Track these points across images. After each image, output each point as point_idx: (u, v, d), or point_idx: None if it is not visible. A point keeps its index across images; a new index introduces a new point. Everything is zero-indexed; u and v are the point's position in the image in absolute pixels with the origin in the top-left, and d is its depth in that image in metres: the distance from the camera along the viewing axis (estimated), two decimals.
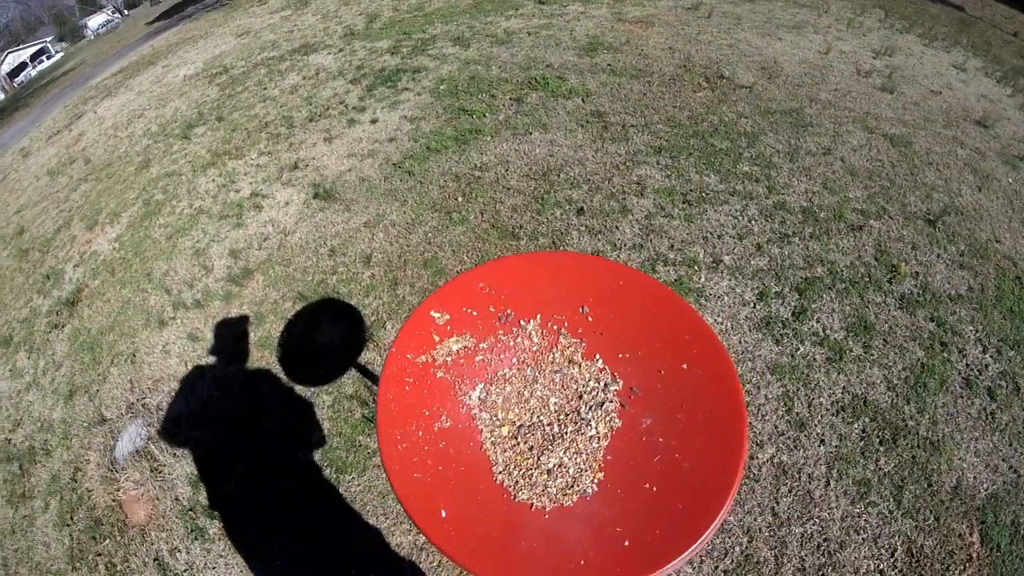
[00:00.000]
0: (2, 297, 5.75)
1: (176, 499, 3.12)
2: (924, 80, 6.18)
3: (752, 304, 3.42)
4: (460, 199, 4.55)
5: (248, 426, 3.33)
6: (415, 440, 1.18)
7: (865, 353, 3.14)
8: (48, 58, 43.44)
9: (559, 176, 4.60)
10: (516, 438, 1.18)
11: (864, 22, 8.08)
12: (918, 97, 5.72)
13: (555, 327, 1.39)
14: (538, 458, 1.13)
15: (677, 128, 5.01)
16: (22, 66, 42.59)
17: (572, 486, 1.09)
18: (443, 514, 1.05)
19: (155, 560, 2.92)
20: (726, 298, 3.45)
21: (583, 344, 1.35)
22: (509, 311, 1.43)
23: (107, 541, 3.10)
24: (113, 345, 4.28)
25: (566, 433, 1.17)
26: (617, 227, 4.02)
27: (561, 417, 1.20)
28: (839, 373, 3.05)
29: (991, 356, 3.14)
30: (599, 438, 1.16)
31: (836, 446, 2.78)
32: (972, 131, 5.18)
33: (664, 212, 4.10)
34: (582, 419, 1.19)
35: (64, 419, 3.93)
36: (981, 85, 6.40)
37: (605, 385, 1.25)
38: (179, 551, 2.91)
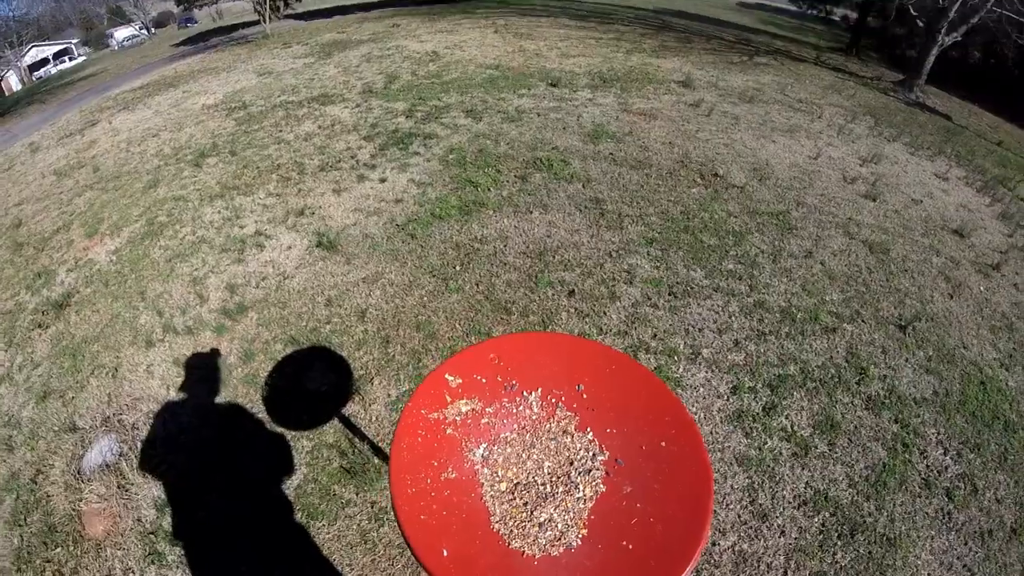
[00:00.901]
0: None
1: (139, 520, 3.09)
2: (907, 188, 6.49)
3: (726, 397, 3.56)
4: (458, 268, 4.71)
5: (224, 459, 3.34)
6: (423, 487, 1.33)
7: (830, 450, 3.27)
8: (70, 59, 43.74)
9: (554, 257, 4.78)
10: (513, 493, 1.34)
11: (854, 129, 8.47)
12: (899, 205, 6.00)
13: (554, 400, 1.56)
14: (531, 512, 1.29)
15: (670, 221, 5.25)
16: (44, 61, 42.82)
17: (560, 539, 1.25)
18: (445, 553, 1.20)
19: None
20: (702, 389, 3.59)
21: (577, 417, 1.52)
22: (514, 382, 1.60)
23: (59, 549, 3.04)
24: (96, 356, 4.30)
25: (557, 493, 1.33)
26: (605, 312, 4.18)
27: (553, 479, 1.37)
28: (803, 468, 3.17)
29: (951, 458, 3.29)
30: (585, 499, 1.32)
31: (796, 538, 2.87)
32: (949, 240, 5.45)
33: (650, 302, 4.28)
34: (571, 482, 1.36)
35: (33, 419, 3.91)
36: (961, 194, 6.70)
37: (593, 455, 1.42)
38: (133, 572, 2.86)
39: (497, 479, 1.37)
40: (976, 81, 17.08)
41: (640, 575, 1.19)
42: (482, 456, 1.43)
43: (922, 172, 7.16)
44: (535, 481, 1.36)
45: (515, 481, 1.36)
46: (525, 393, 1.57)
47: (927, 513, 3.02)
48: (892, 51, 22.16)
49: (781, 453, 3.25)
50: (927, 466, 3.25)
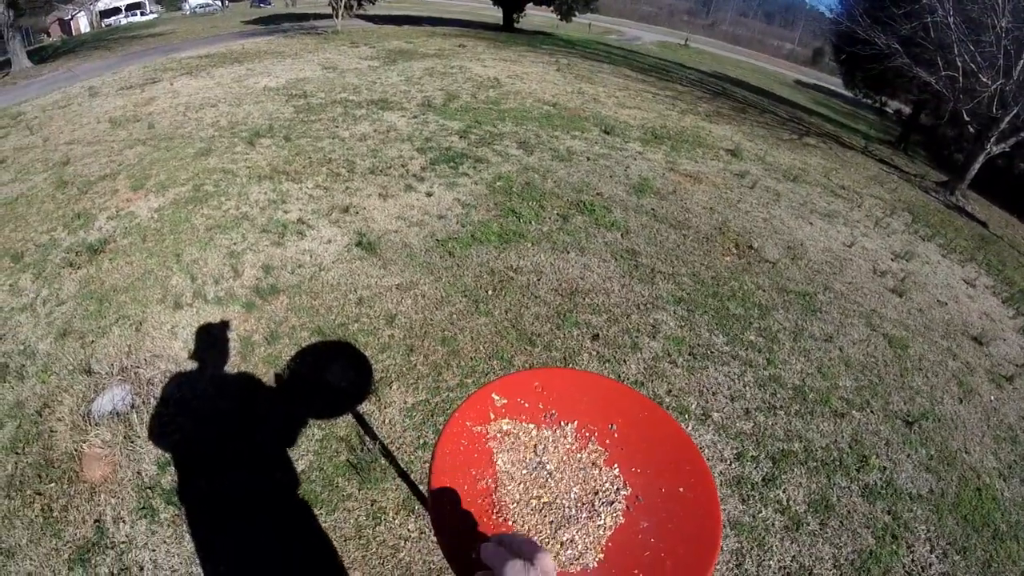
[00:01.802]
0: (27, 215, 5.86)
1: (139, 473, 3.15)
2: (934, 289, 6.52)
3: (729, 461, 3.60)
4: (490, 292, 4.81)
5: (233, 432, 3.41)
6: (460, 492, 1.43)
7: (820, 529, 3.31)
8: (142, 14, 44.43)
9: (584, 299, 4.86)
10: (540, 511, 1.43)
11: (891, 223, 8.52)
12: (924, 305, 6.04)
13: (587, 434, 1.65)
14: (555, 531, 1.37)
15: (700, 285, 5.33)
16: (115, 11, 43.56)
17: (578, 559, 1.33)
18: (473, 556, 1.29)
19: (95, 521, 2.92)
20: (707, 451, 3.65)
21: (607, 453, 1.61)
22: (554, 411, 1.70)
23: (53, 485, 3.09)
24: (123, 306, 4.41)
25: (580, 517, 1.42)
26: (625, 360, 4.25)
27: (578, 504, 1.45)
28: (792, 542, 3.20)
29: (936, 556, 3.31)
30: (605, 527, 1.41)
31: None
32: (967, 345, 5.47)
33: (670, 358, 4.35)
34: (594, 510, 1.44)
35: (50, 353, 4.00)
36: (987, 303, 6.71)
37: (617, 489, 1.51)
38: (123, 521, 2.92)
39: (528, 496, 1.46)
40: (1019, 192, 17.10)
41: None
42: (517, 473, 1.52)
43: (951, 275, 7.20)
44: (562, 504, 1.45)
45: (543, 500, 1.45)
46: (563, 423, 1.66)
47: None
48: (940, 151, 22.25)
49: (773, 524, 3.28)
50: (912, 560, 3.27)
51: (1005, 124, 12.18)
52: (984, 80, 11.94)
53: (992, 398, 4.79)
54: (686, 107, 13.45)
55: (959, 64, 12.35)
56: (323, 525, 2.96)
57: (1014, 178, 18.28)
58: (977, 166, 13.05)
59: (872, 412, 4.27)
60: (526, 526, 1.38)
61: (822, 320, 5.22)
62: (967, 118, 12.99)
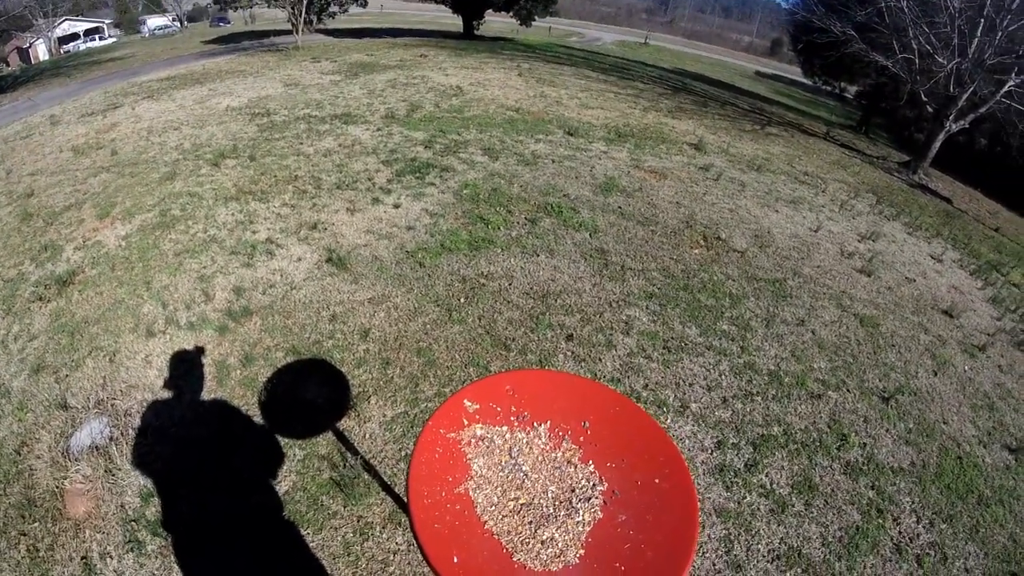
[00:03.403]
0: None
1: (122, 506, 3.12)
2: (901, 267, 6.65)
3: (710, 450, 3.65)
4: (463, 300, 4.82)
5: (214, 457, 3.38)
6: (438, 498, 1.44)
7: (806, 510, 3.36)
8: (100, 39, 44.03)
9: (556, 301, 4.89)
10: (519, 513, 1.45)
11: (856, 205, 8.68)
12: (893, 282, 6.16)
13: (561, 433, 1.68)
14: (535, 531, 1.40)
15: (670, 279, 5.39)
16: (74, 36, 43.10)
17: (559, 556, 1.36)
18: (455, 560, 1.31)
19: (83, 559, 2.88)
20: (687, 441, 3.68)
21: (581, 450, 1.64)
22: (526, 413, 1.73)
23: (37, 524, 3.05)
24: (95, 338, 4.36)
25: (559, 516, 1.45)
26: (600, 359, 4.29)
27: (556, 503, 1.48)
28: (779, 525, 3.25)
29: (923, 527, 3.38)
30: (584, 524, 1.44)
31: None
32: (938, 319, 5.59)
33: (645, 353, 4.39)
34: (572, 507, 1.47)
35: (24, 390, 3.95)
36: (955, 276, 6.86)
37: (594, 485, 1.54)
38: (111, 557, 2.88)
39: (506, 498, 1.48)
40: (980, 168, 17.53)
41: None
42: (493, 476, 1.54)
43: (918, 252, 7.34)
44: (540, 504, 1.47)
45: (522, 502, 1.48)
46: (535, 424, 1.70)
47: None
48: (900, 132, 22.74)
49: (759, 508, 3.33)
50: (899, 532, 3.33)
51: (963, 102, 12.51)
52: (940, 60, 12.28)
53: (966, 368, 4.90)
54: (648, 104, 13.58)
55: (915, 46, 12.70)
56: (311, 544, 2.95)
57: (975, 154, 18.77)
58: (938, 144, 13.38)
59: (848, 391, 4.34)
60: (505, 528, 1.41)
61: (793, 305, 5.30)
62: (925, 98, 13.31)
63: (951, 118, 12.83)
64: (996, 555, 3.30)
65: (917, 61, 12.93)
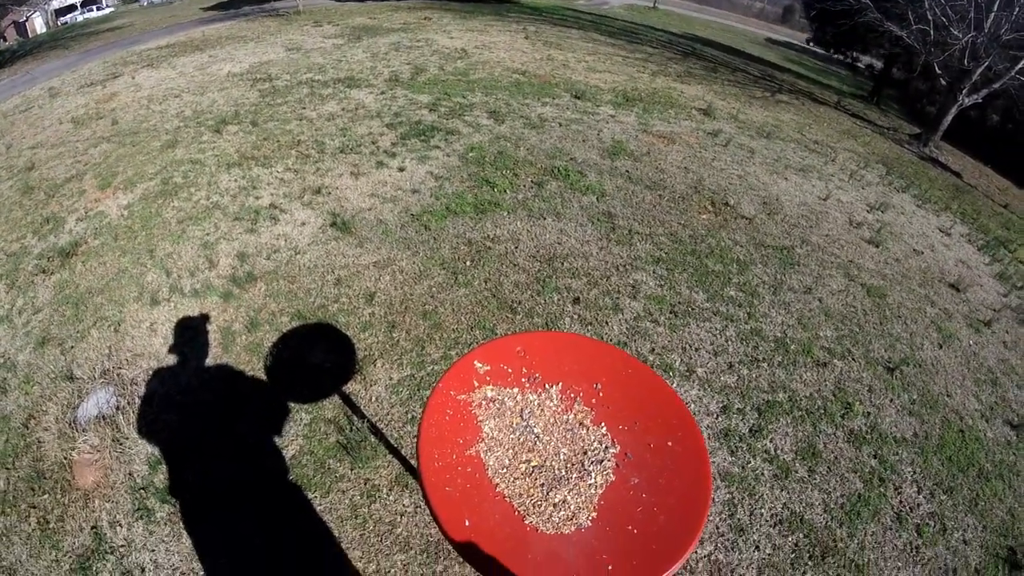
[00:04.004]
0: None
1: (130, 474, 3.13)
2: (910, 239, 6.59)
3: (715, 415, 3.65)
4: (468, 263, 4.78)
5: (221, 423, 3.39)
6: (449, 461, 1.42)
7: (809, 476, 3.37)
8: (98, 9, 42.94)
9: (563, 264, 4.86)
10: (531, 475, 1.43)
11: (865, 175, 8.56)
12: (901, 254, 6.11)
13: (572, 395, 1.66)
14: (547, 493, 1.39)
15: (678, 243, 5.34)
16: (71, 7, 42.27)
17: (572, 519, 1.35)
18: (467, 523, 1.29)
19: (92, 528, 2.90)
20: (693, 406, 3.68)
21: (592, 413, 1.62)
22: (537, 374, 1.70)
23: (46, 496, 3.07)
24: (100, 308, 4.34)
25: (571, 478, 1.43)
26: (607, 322, 4.27)
27: (568, 465, 1.46)
28: (782, 490, 3.26)
29: (924, 497, 3.39)
30: (596, 486, 1.42)
31: (769, 554, 2.96)
32: (945, 292, 5.55)
33: (651, 318, 4.37)
34: (584, 469, 1.46)
35: (30, 364, 3.93)
36: (962, 251, 6.79)
37: (606, 448, 1.52)
38: (120, 525, 2.90)
39: (517, 461, 1.46)
40: (991, 144, 17.29)
41: (643, 556, 1.29)
42: (504, 439, 1.52)
43: (927, 225, 7.25)
44: (552, 466, 1.46)
45: (533, 464, 1.46)
46: (547, 386, 1.67)
47: (896, 545, 3.11)
48: (913, 105, 22.41)
49: (763, 473, 3.34)
50: (900, 501, 3.34)
51: (977, 76, 12.28)
52: (955, 33, 12.01)
53: (971, 342, 4.87)
54: (657, 68, 13.33)
55: (930, 18, 12.41)
56: (318, 508, 2.96)
57: (987, 129, 18.49)
58: (949, 118, 13.16)
59: (854, 360, 4.32)
60: (517, 491, 1.39)
61: (800, 273, 5.25)
62: (939, 71, 13.07)
63: (964, 92, 12.60)
64: (994, 528, 3.32)
65: (932, 33, 12.64)
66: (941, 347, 4.70)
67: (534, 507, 1.36)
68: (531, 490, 1.39)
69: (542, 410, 1.60)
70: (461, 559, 1.25)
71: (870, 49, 21.14)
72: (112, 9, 42.69)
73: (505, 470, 1.43)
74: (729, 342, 4.25)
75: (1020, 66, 11.68)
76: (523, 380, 1.68)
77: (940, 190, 9.61)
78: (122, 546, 2.82)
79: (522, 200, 5.81)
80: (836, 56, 22.55)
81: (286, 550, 2.81)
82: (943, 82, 13.26)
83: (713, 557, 2.93)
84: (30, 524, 2.95)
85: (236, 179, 6.07)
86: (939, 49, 12.74)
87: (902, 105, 22.93)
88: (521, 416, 1.57)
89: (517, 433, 1.52)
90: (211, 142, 7.11)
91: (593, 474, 1.44)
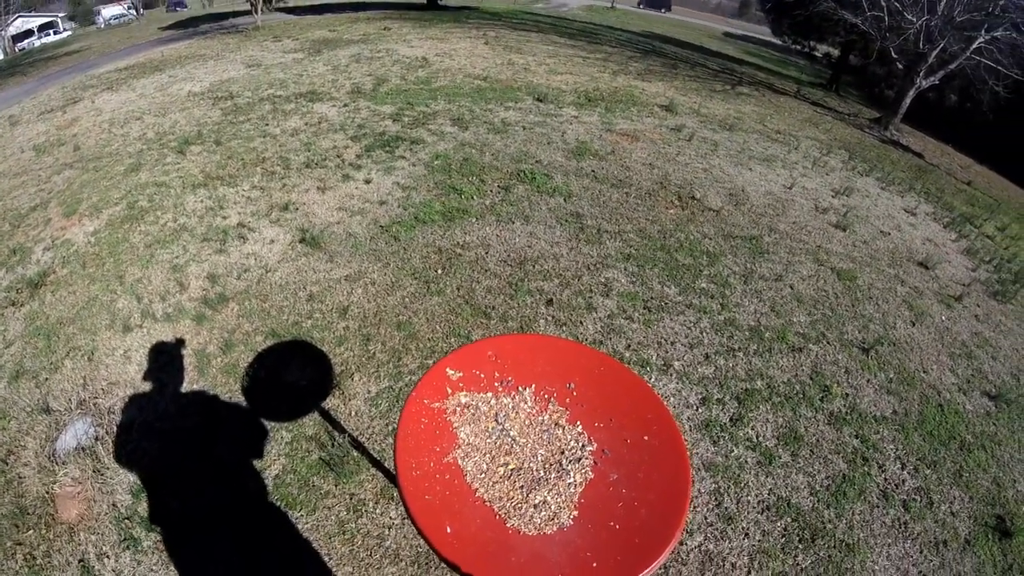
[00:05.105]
0: None
1: (114, 504, 3.08)
2: (876, 221, 6.71)
3: (695, 407, 3.69)
4: (440, 271, 4.79)
5: (201, 447, 3.36)
6: (427, 469, 1.44)
7: (792, 460, 3.42)
8: (55, 33, 42.40)
9: (534, 267, 4.88)
10: (510, 478, 1.45)
11: (829, 162, 8.71)
12: (868, 236, 6.22)
13: (546, 395, 1.68)
14: (527, 495, 1.40)
15: (647, 240, 5.39)
16: (28, 33, 41.52)
17: (553, 519, 1.37)
18: (448, 530, 1.30)
19: (80, 562, 2.85)
20: (672, 399, 3.72)
21: (567, 412, 1.64)
22: (510, 378, 1.72)
23: (31, 532, 3.01)
24: (72, 338, 4.26)
25: (550, 478, 1.45)
26: (581, 322, 4.30)
27: (546, 466, 1.48)
28: (767, 476, 3.31)
29: (908, 473, 3.46)
30: (575, 485, 1.44)
31: (759, 540, 3.01)
32: (914, 271, 5.66)
33: (625, 315, 4.41)
34: (563, 469, 1.48)
35: (5, 398, 3.85)
36: (929, 229, 6.93)
37: (583, 446, 1.55)
38: (107, 557, 2.85)
39: (495, 464, 1.48)
40: (951, 123, 17.70)
41: (626, 552, 1.31)
42: (481, 443, 1.53)
43: (892, 206, 7.38)
44: (530, 468, 1.47)
45: (511, 467, 1.47)
46: (520, 388, 1.69)
47: (884, 522, 3.17)
48: (871, 89, 22.84)
49: (746, 461, 3.38)
50: (885, 479, 3.40)
51: (933, 59, 12.57)
52: (909, 18, 12.29)
53: (943, 318, 4.97)
54: (617, 68, 13.45)
55: (883, 3, 12.69)
56: (305, 526, 2.95)
57: (946, 109, 18.90)
58: (908, 101, 13.44)
59: (829, 343, 4.39)
60: (497, 494, 1.40)
61: (770, 261, 5.33)
62: (895, 56, 13.35)
63: (921, 75, 12.89)
64: (980, 499, 3.39)
65: (886, 18, 12.93)
66: (914, 325, 4.80)
67: (515, 509, 1.37)
68: (511, 493, 1.41)
69: (517, 412, 1.62)
70: (449, 569, 1.25)
71: (826, 37, 21.54)
72: (69, 33, 42.07)
73: (483, 475, 1.45)
74: (704, 334, 4.30)
75: (975, 46, 11.95)
76: (496, 384, 1.70)
77: (903, 171, 9.81)
78: None
79: (490, 205, 5.84)
80: (794, 47, 22.95)
81: (267, 570, 2.79)
82: (900, 66, 13.55)
83: (704, 547, 2.96)
84: (17, 562, 2.89)
85: (202, 200, 6.01)
86: (894, 34, 13.02)
87: (861, 91, 23.37)
88: (496, 420, 1.59)
89: (493, 437, 1.54)
90: (175, 163, 7.03)
91: (572, 473, 1.46)
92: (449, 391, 1.65)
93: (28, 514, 3.10)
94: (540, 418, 1.61)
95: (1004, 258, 6.64)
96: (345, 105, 9.08)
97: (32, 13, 44.31)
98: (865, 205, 7.17)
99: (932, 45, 12.28)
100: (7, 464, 3.40)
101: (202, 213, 5.74)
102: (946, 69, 12.76)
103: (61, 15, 47.40)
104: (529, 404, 1.65)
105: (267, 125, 8.24)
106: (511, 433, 1.55)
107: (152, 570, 2.80)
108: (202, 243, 5.23)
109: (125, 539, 2.92)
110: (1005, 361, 4.60)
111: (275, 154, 7.10)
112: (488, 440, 1.53)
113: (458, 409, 1.61)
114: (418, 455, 1.46)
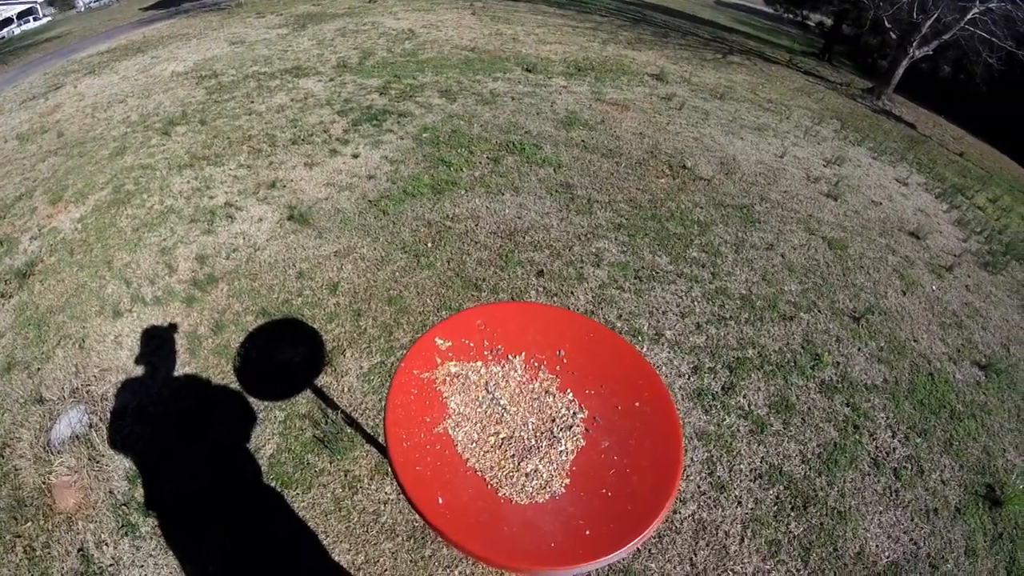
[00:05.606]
0: None
1: (110, 492, 3.08)
2: (867, 191, 6.71)
3: (687, 376, 3.70)
4: (430, 245, 4.76)
5: (195, 430, 3.35)
6: (417, 440, 1.42)
7: (784, 429, 3.44)
8: (35, 20, 41.39)
9: (524, 238, 4.86)
10: (501, 447, 1.44)
11: (820, 131, 8.68)
12: (859, 206, 6.21)
13: (536, 363, 1.67)
14: (518, 464, 1.39)
15: (637, 209, 5.37)
16: (7, 21, 40.54)
17: (545, 487, 1.36)
18: (440, 501, 1.29)
19: (79, 551, 2.86)
20: (664, 368, 3.73)
21: (558, 380, 1.63)
22: (499, 346, 1.70)
23: (29, 524, 3.00)
24: (62, 326, 4.22)
25: (541, 447, 1.44)
26: (572, 292, 4.29)
27: (538, 434, 1.47)
28: (759, 444, 3.33)
29: (899, 441, 3.49)
30: (567, 452, 1.44)
31: (752, 508, 3.03)
32: (905, 241, 5.67)
33: (616, 284, 4.41)
34: (554, 437, 1.47)
35: None
36: (920, 199, 6.94)
37: (574, 413, 1.54)
38: (106, 544, 2.86)
39: (486, 434, 1.47)
40: (944, 94, 17.59)
41: (618, 519, 1.30)
42: (471, 413, 1.52)
43: (883, 176, 7.37)
44: (521, 436, 1.46)
45: (502, 436, 1.46)
46: (510, 356, 1.67)
47: (875, 490, 3.20)
48: (864, 59, 22.61)
49: (739, 430, 3.40)
50: (876, 447, 3.43)
51: (926, 29, 12.47)
52: None
53: (934, 288, 4.99)
54: (607, 37, 13.27)
55: None
56: (301, 504, 2.95)
57: (939, 80, 18.76)
58: (901, 71, 13.38)
59: (820, 312, 4.40)
60: (488, 464, 1.40)
61: (761, 230, 5.33)
62: (888, 25, 13.24)
63: (915, 45, 12.82)
64: (971, 467, 3.42)
65: None
66: (905, 294, 4.81)
67: (506, 479, 1.36)
68: (502, 462, 1.40)
69: (507, 381, 1.60)
70: (442, 540, 1.25)
71: (819, 6, 21.30)
72: (49, 19, 41.21)
73: (474, 444, 1.44)
74: (696, 303, 4.30)
75: (969, 17, 11.86)
76: (486, 353, 1.68)
77: (895, 142, 9.77)
78: (111, 565, 2.79)
79: (479, 177, 5.79)
80: (786, 16, 22.69)
81: (263, 551, 2.80)
82: (893, 36, 13.45)
83: (697, 516, 2.98)
84: (16, 554, 2.89)
85: (189, 180, 5.93)
86: (888, 3, 12.91)
87: (853, 60, 23.14)
88: (486, 389, 1.58)
89: (484, 406, 1.53)
90: (160, 145, 6.93)
91: (563, 441, 1.45)
92: (439, 361, 1.64)
93: (26, 506, 3.09)
94: (530, 386, 1.60)
95: (995, 229, 6.66)
96: (331, 80, 8.95)
97: (10, 1, 43.37)
98: (857, 175, 7.16)
99: (926, 15, 12.19)
100: (3, 457, 3.38)
101: (189, 194, 5.67)
102: (940, 39, 12.68)
103: (40, 1, 46.42)
104: (519, 372, 1.63)
105: (252, 103, 8.12)
106: (501, 402, 1.54)
107: (151, 555, 2.80)
108: (190, 224, 5.17)
109: (123, 526, 2.93)
110: (995, 331, 4.62)
111: (261, 131, 7.01)
112: (479, 409, 1.52)
113: (448, 379, 1.59)
114: (408, 426, 1.44)
